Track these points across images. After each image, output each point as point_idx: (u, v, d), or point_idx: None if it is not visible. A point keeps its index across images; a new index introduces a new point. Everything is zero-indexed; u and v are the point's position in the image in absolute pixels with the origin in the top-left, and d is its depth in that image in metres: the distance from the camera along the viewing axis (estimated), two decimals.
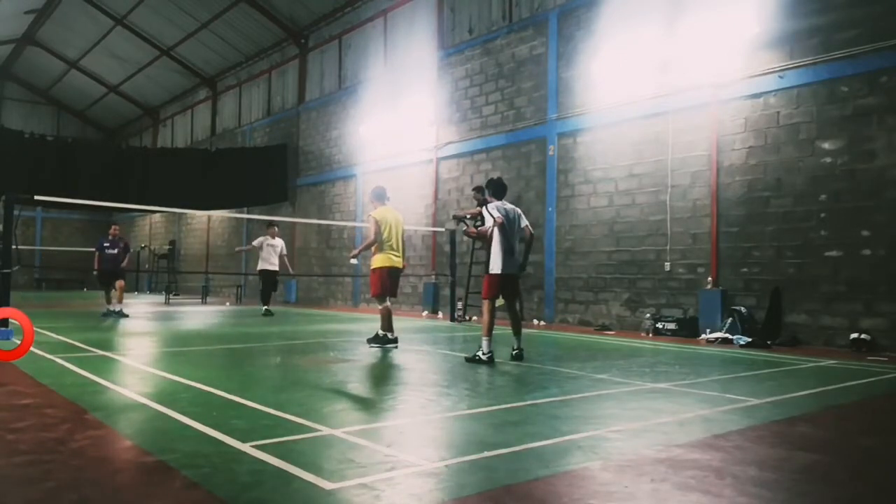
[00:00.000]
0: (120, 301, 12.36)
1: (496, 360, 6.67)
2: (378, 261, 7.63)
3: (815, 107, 9.00)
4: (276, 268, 13.61)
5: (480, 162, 14.14)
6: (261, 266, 13.56)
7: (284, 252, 13.86)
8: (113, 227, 13.21)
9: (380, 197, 7.95)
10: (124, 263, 12.80)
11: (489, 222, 6.69)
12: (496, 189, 6.94)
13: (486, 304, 6.74)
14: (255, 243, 13.83)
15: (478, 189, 12.56)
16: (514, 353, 6.80)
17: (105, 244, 12.52)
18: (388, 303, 7.71)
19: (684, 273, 10.37)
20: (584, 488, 2.79)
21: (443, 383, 5.61)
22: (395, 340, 7.75)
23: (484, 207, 6.94)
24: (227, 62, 24.29)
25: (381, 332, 7.72)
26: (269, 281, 13.64)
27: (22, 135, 19.59)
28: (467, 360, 6.62)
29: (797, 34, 9.22)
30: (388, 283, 7.69)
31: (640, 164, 11.05)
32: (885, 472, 3.25)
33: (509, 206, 6.88)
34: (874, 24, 8.48)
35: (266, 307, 13.42)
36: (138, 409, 4.23)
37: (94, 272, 12.80)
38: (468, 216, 11.12)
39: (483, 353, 6.48)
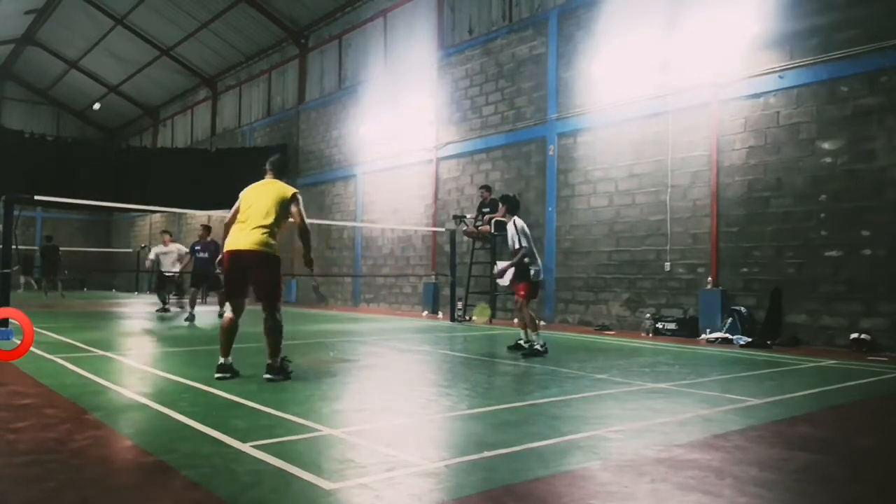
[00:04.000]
0: (192, 306, 12.12)
1: (496, 358, 6.91)
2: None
3: (815, 107, 9.00)
4: (174, 272, 13.46)
5: (480, 162, 14.14)
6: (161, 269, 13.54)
7: (182, 253, 13.62)
8: (203, 226, 13.05)
9: (271, 168, 5.63)
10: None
11: (523, 242, 7.34)
12: (513, 205, 7.78)
13: (527, 307, 7.36)
14: (150, 257, 13.68)
15: (485, 188, 12.76)
16: (521, 342, 7.64)
17: (196, 248, 12.38)
18: (227, 312, 5.42)
19: (684, 273, 10.37)
20: (584, 488, 2.79)
21: (443, 383, 5.62)
22: (225, 368, 5.25)
23: (512, 224, 7.52)
24: (227, 62, 24.28)
25: (279, 359, 5.28)
26: (163, 281, 13.62)
27: (22, 135, 19.56)
28: (524, 355, 7.09)
29: (797, 34, 9.22)
30: (226, 279, 5.45)
31: (640, 164, 11.04)
32: (884, 472, 3.26)
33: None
34: (874, 24, 8.48)
35: (163, 306, 13.33)
36: (138, 409, 4.23)
37: (188, 273, 12.74)
38: (482, 225, 12.07)
39: (540, 346, 7.13)
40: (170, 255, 13.46)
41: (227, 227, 5.53)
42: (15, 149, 18.40)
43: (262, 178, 5.60)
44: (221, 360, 5.32)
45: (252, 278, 5.29)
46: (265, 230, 5.22)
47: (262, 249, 5.19)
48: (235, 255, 5.26)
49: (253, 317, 5.48)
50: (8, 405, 4.23)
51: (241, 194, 5.54)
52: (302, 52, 20.63)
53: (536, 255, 7.55)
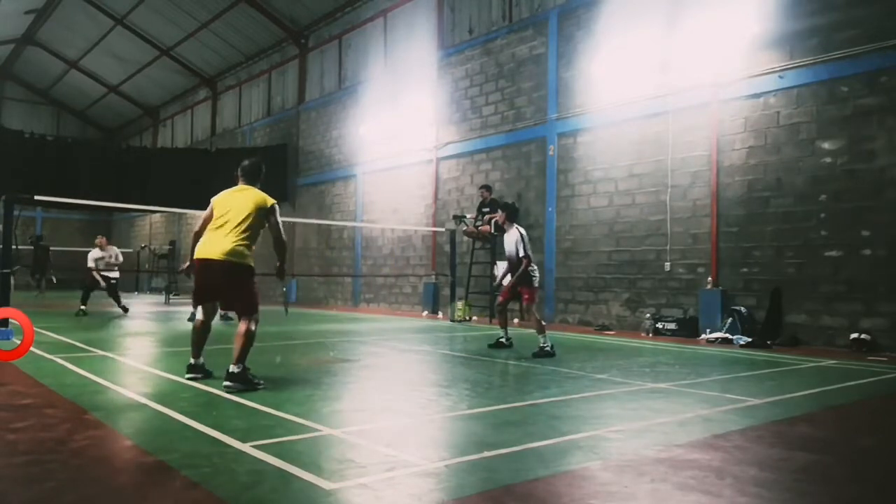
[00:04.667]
0: (195, 306, 11.95)
1: (496, 358, 7.00)
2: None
3: (815, 107, 9.00)
4: (114, 275, 13.25)
5: (480, 162, 14.14)
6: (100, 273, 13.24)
7: (120, 260, 13.53)
8: None
9: (243, 175, 5.41)
10: None
11: (528, 251, 7.53)
12: (513, 213, 7.93)
13: (536, 310, 7.62)
14: (90, 264, 13.29)
15: (485, 187, 12.78)
16: (506, 341, 7.95)
17: None
18: (199, 315, 5.31)
19: (684, 273, 10.37)
20: (584, 488, 2.79)
21: (443, 383, 5.62)
22: (196, 369, 5.22)
23: (515, 230, 7.63)
24: (227, 62, 24.27)
25: (242, 367, 4.85)
26: (93, 285, 13.23)
27: (22, 135, 19.57)
28: (535, 355, 7.18)
29: (797, 34, 9.22)
30: (199, 283, 5.15)
31: (640, 164, 11.04)
32: (885, 472, 3.26)
33: None
34: (874, 24, 8.47)
35: (82, 307, 12.70)
36: (138, 409, 4.23)
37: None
38: (482, 225, 12.16)
39: (550, 347, 7.27)
40: (105, 260, 13.23)
41: (197, 236, 5.26)
42: (15, 149, 18.42)
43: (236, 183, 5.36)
44: (192, 360, 5.26)
45: (223, 289, 5.04)
46: (240, 240, 4.98)
47: (233, 260, 4.94)
48: (205, 263, 5.01)
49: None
50: (8, 405, 4.23)
51: (214, 201, 5.26)
52: (302, 52, 20.62)
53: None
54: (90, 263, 13.32)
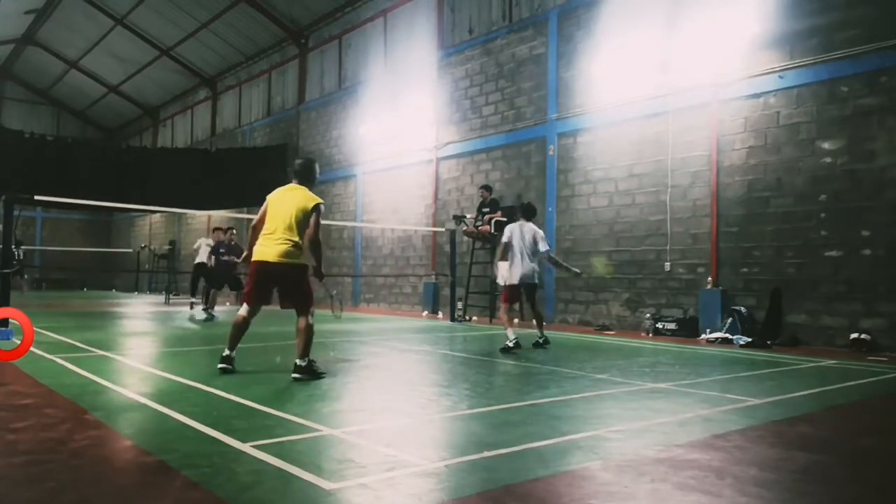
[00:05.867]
0: (212, 307, 12.00)
1: (496, 358, 6.97)
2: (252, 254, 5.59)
3: (815, 107, 9.00)
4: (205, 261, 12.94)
5: (480, 162, 14.14)
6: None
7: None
8: (230, 231, 12.51)
9: (295, 174, 5.78)
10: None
11: (502, 239, 7.89)
12: (527, 211, 8.16)
13: (503, 307, 7.92)
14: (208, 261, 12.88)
15: (485, 188, 12.79)
16: (540, 340, 7.94)
17: (221, 250, 12.01)
18: (243, 311, 5.60)
19: (684, 273, 10.37)
20: (584, 488, 2.79)
21: (443, 383, 5.62)
22: (229, 360, 5.57)
23: (507, 228, 8.00)
24: (227, 62, 24.28)
25: (307, 360, 5.40)
26: (199, 275, 13.00)
27: (22, 135, 19.55)
28: (503, 351, 7.43)
29: (797, 34, 9.22)
30: (252, 285, 5.58)
31: (640, 164, 11.04)
32: (885, 472, 3.25)
33: (528, 227, 7.88)
34: (874, 24, 8.48)
35: (192, 300, 12.48)
36: (138, 409, 4.23)
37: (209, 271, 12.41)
38: (482, 225, 12.33)
39: (510, 341, 7.47)
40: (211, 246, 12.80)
41: (254, 229, 5.64)
42: (15, 149, 18.39)
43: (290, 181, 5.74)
44: (227, 352, 5.56)
45: (280, 288, 5.49)
46: (290, 242, 5.37)
47: (288, 261, 5.36)
48: (263, 266, 5.42)
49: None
50: (8, 405, 4.23)
51: (269, 198, 5.61)
52: (302, 52, 20.62)
53: (519, 258, 7.76)
54: (208, 260, 12.61)
